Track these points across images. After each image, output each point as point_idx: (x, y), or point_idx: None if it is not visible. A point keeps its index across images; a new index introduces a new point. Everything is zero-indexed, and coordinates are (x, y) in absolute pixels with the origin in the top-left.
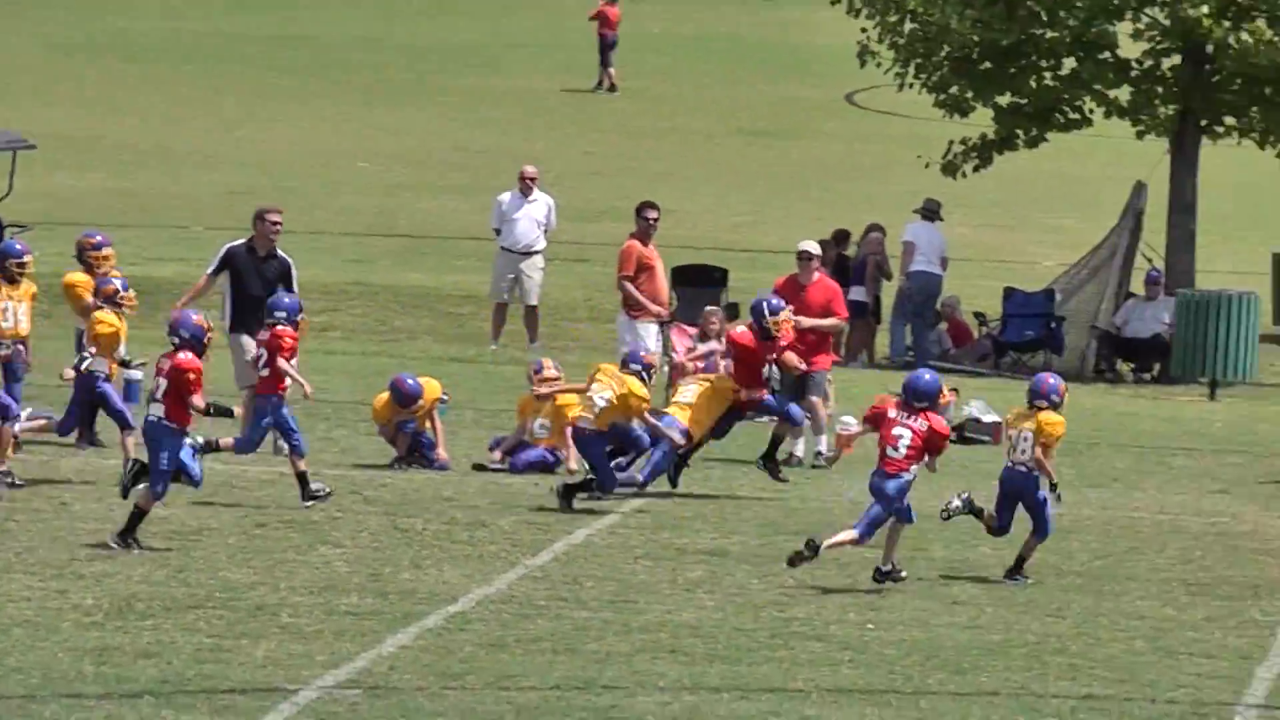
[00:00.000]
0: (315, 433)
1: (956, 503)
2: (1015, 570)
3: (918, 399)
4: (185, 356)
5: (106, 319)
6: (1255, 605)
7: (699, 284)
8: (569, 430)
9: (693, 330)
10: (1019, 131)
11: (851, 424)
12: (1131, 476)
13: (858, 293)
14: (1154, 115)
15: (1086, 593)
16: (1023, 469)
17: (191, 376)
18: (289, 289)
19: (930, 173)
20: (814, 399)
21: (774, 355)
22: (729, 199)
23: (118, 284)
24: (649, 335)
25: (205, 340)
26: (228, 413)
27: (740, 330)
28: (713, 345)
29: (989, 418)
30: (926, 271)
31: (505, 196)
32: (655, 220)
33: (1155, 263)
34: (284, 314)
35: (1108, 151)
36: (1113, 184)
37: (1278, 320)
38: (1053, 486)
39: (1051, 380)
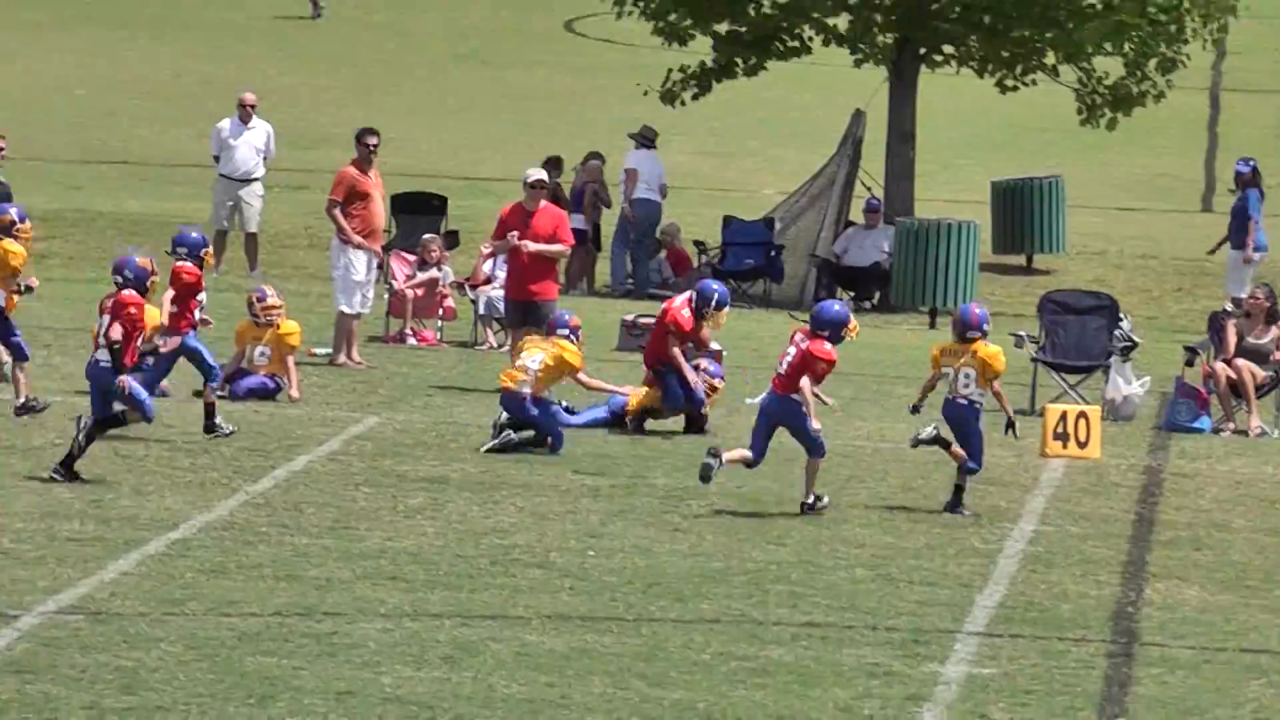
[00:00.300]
0: (36, 360)
1: (927, 432)
2: (955, 503)
3: (819, 326)
4: (129, 294)
5: (14, 249)
6: (975, 533)
7: (418, 212)
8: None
9: (412, 258)
10: (738, 60)
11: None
12: (853, 405)
13: (577, 221)
14: (872, 43)
15: (808, 520)
16: (963, 401)
17: (134, 312)
18: None
19: (650, 101)
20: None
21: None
22: (448, 126)
23: (14, 213)
24: (360, 262)
25: (149, 283)
26: (153, 352)
27: (680, 307)
28: (433, 274)
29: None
30: (647, 199)
31: (224, 124)
32: (375, 147)
33: (874, 191)
34: (185, 249)
35: (827, 80)
36: (832, 112)
37: (997, 249)
38: (1010, 424)
39: (978, 311)
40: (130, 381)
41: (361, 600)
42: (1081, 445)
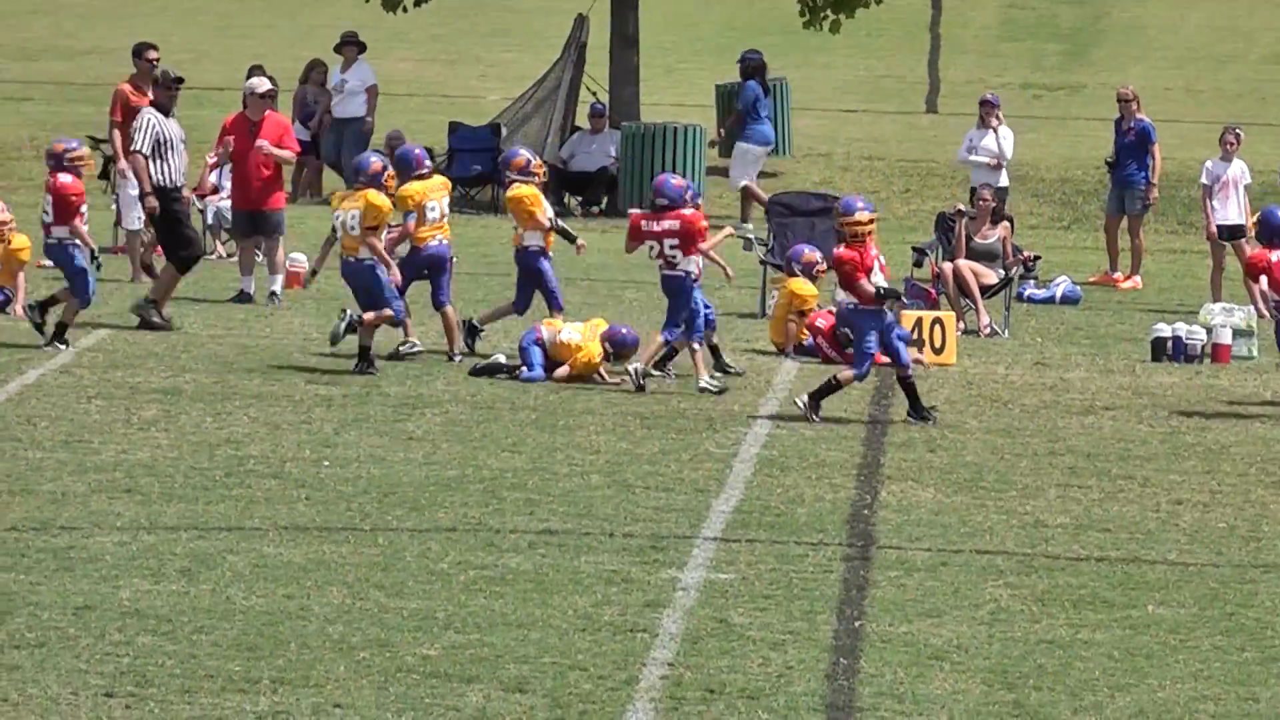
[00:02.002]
0: None
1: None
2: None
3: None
4: (66, 179)
5: None
6: (710, 438)
7: None
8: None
9: None
10: None
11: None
12: (582, 310)
13: (300, 130)
14: None
15: (542, 428)
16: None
17: (74, 198)
18: None
19: (372, 8)
20: (276, 239)
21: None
22: (170, 36)
23: None
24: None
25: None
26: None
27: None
28: None
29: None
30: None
31: None
32: (157, 60)
33: (599, 96)
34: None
35: None
36: (554, 17)
37: (724, 152)
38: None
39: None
40: None
41: (97, 514)
42: (937, 351)
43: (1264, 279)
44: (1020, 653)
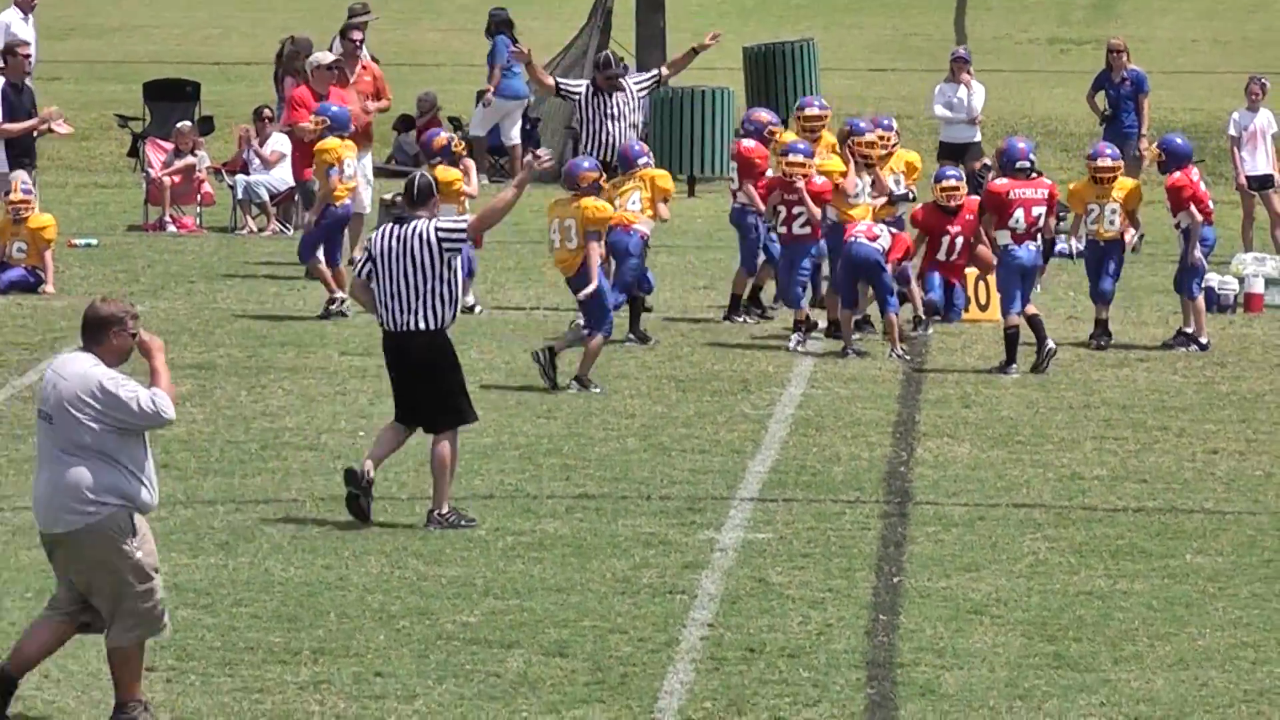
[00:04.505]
0: None
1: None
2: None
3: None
4: None
5: None
6: (745, 399)
7: (171, 99)
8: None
9: (168, 145)
10: None
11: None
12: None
13: None
14: None
15: (577, 394)
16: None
17: None
18: None
19: None
20: None
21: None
22: (195, 12)
23: None
24: None
25: None
26: None
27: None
28: (189, 160)
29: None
30: None
31: (10, 16)
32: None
33: (627, 61)
34: None
35: None
36: None
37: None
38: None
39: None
40: None
41: None
42: (982, 308)
43: None
44: (1059, 605)
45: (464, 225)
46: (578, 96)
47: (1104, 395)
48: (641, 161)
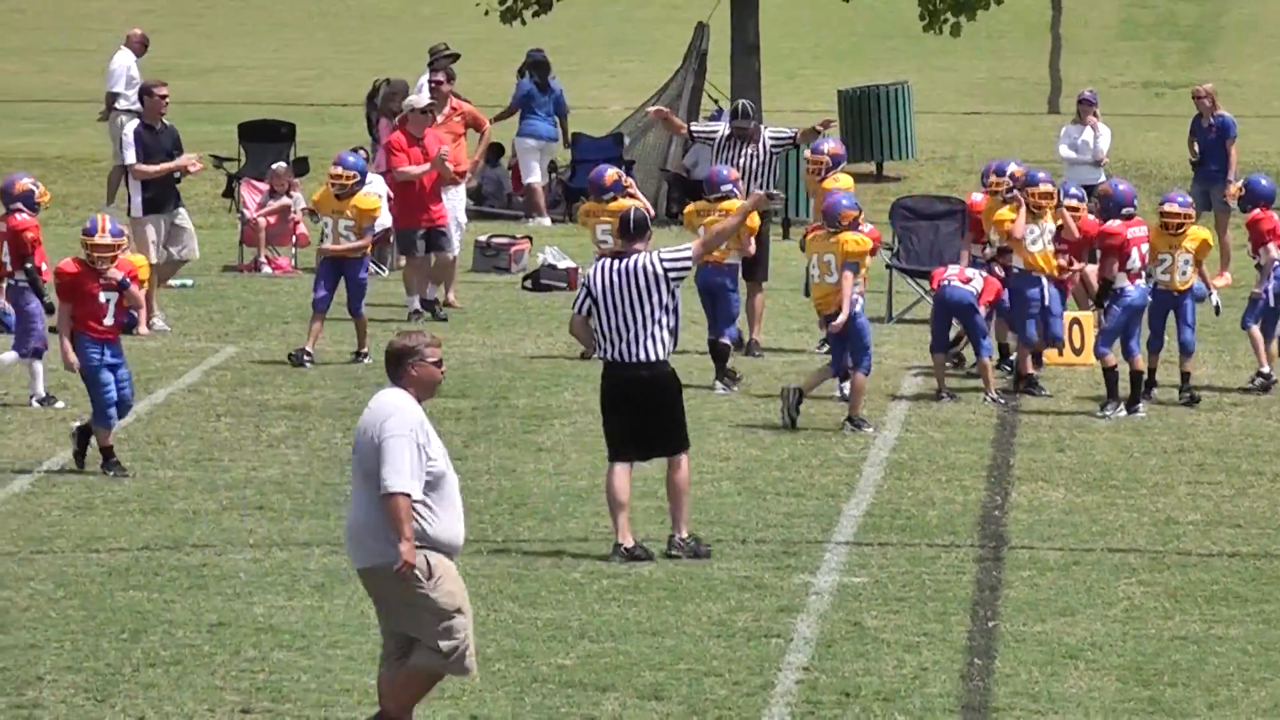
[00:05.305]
0: None
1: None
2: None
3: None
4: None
5: None
6: (839, 443)
7: (266, 140)
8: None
9: (263, 186)
10: None
11: None
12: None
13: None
14: None
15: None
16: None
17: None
18: None
19: (490, 20)
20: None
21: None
22: (290, 54)
23: None
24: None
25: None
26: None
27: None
28: (284, 201)
29: (564, 264)
30: None
31: (128, 59)
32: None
33: (721, 104)
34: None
35: None
36: (674, 25)
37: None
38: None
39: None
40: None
41: (229, 531)
42: (1077, 352)
43: None
44: (1154, 649)
45: (688, 253)
46: (712, 143)
47: (1197, 440)
48: (725, 189)
